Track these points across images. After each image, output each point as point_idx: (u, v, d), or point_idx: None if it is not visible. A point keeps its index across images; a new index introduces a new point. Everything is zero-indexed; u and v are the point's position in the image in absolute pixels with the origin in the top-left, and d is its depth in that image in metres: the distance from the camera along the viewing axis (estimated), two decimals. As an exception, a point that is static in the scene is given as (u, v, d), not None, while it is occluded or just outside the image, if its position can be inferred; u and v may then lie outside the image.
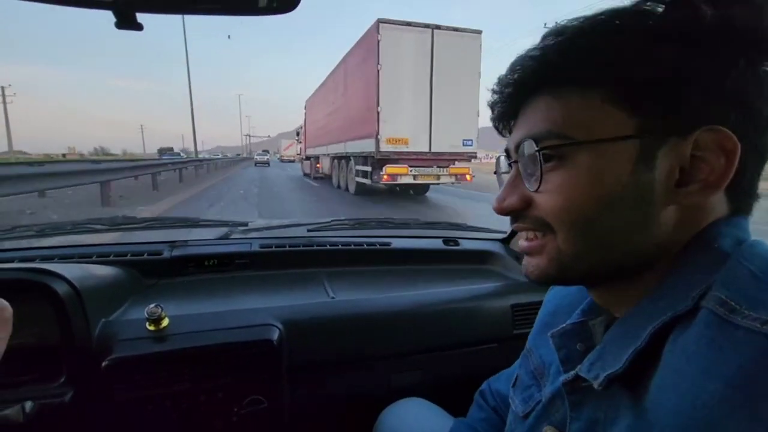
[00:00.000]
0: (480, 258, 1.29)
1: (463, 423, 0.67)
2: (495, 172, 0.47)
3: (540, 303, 1.06)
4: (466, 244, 1.31)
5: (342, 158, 10.45)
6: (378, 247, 1.22)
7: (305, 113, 16.56)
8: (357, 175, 9.11)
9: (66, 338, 0.70)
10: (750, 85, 0.31)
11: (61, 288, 0.70)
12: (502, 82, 0.38)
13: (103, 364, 0.70)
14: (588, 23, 0.33)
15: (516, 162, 0.38)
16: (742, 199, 0.35)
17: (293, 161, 43.31)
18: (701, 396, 0.26)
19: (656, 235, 0.33)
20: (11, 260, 0.92)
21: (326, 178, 13.51)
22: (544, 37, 0.35)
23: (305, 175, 17.40)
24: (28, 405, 0.59)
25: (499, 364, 1.01)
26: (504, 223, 1.37)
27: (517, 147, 0.37)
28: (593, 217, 0.33)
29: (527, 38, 0.41)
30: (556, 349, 0.42)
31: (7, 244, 1.02)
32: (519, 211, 0.38)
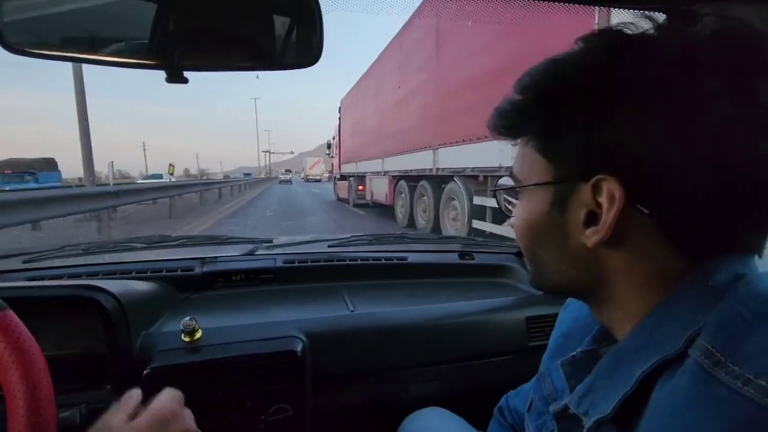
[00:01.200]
0: (495, 271, 1.31)
1: None
2: (493, 190, 0.56)
3: (555, 316, 1.08)
4: (481, 258, 1.33)
5: (425, 178, 6.17)
6: (395, 261, 1.26)
7: (339, 118, 12.07)
8: (474, 215, 4.91)
9: (112, 349, 0.77)
10: (633, 136, 0.32)
11: (107, 302, 0.77)
12: (491, 126, 0.43)
13: (144, 372, 0.76)
14: (532, 81, 0.37)
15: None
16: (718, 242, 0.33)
17: (319, 180, 42.99)
18: None
19: (582, 268, 0.37)
20: (61, 277, 1.00)
21: (376, 206, 9.56)
22: (514, 88, 0.39)
23: (340, 199, 13.46)
24: (83, 408, 0.66)
25: (515, 375, 1.03)
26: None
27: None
28: (529, 246, 0.41)
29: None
30: (566, 378, 0.42)
31: (57, 262, 1.11)
32: None
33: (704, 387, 0.26)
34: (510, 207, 0.46)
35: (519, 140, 0.40)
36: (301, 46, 0.40)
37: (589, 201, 0.34)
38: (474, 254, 1.34)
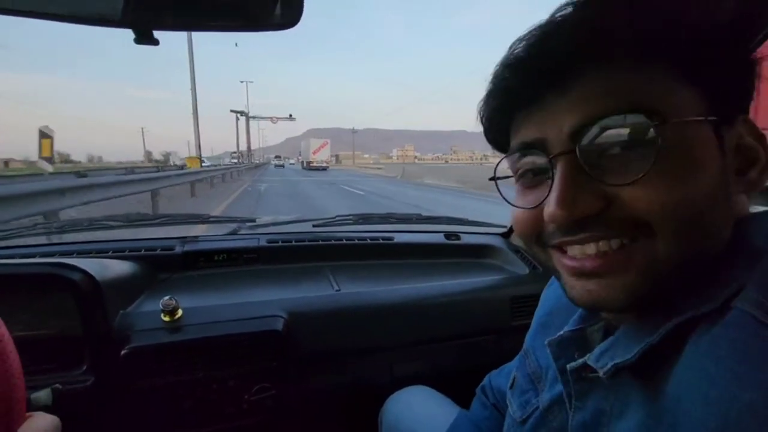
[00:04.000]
0: (480, 252, 1.32)
1: (466, 418, 0.68)
2: (492, 179, 0.39)
3: (538, 295, 1.10)
4: (466, 239, 1.34)
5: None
6: (381, 241, 1.25)
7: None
8: None
9: (87, 328, 0.75)
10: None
11: (82, 281, 0.75)
12: (521, 58, 0.32)
13: (122, 353, 0.75)
14: None
15: (567, 154, 0.30)
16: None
17: (325, 168, 35.98)
18: (734, 406, 0.23)
19: (725, 232, 0.31)
20: (33, 255, 0.96)
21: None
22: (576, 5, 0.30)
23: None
24: (57, 388, 0.64)
25: (499, 354, 1.04)
26: (503, 217, 1.40)
27: (576, 133, 0.30)
28: (703, 211, 0.28)
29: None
30: (553, 358, 0.40)
31: (28, 240, 1.07)
32: (594, 216, 0.30)
33: (757, 336, 0.24)
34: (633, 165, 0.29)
35: (595, 74, 0.30)
36: (281, 5, 0.37)
37: (740, 138, 0.31)
38: (460, 234, 1.35)
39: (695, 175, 0.28)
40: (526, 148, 0.34)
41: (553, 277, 0.49)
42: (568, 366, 0.37)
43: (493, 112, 0.36)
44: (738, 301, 0.26)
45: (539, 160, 0.33)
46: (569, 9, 0.30)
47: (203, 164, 19.15)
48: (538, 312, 0.52)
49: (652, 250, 0.29)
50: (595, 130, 0.29)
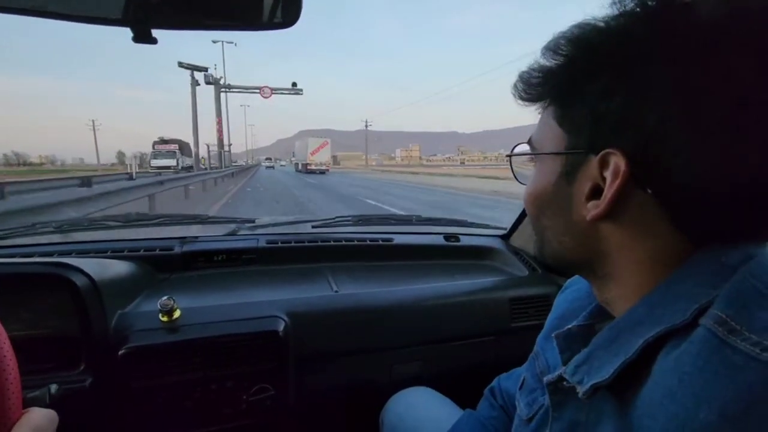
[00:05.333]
0: (480, 253, 1.32)
1: (473, 416, 0.68)
2: (508, 155, 0.49)
3: (537, 297, 1.10)
4: (466, 240, 1.34)
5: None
6: (380, 243, 1.25)
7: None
8: None
9: (85, 328, 0.75)
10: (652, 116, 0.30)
11: (80, 281, 0.75)
12: (515, 89, 0.41)
13: (120, 353, 0.74)
14: (557, 45, 0.35)
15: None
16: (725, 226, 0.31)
17: (324, 172, 30.02)
18: (690, 423, 0.25)
19: (583, 242, 0.37)
20: (31, 255, 0.96)
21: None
22: (541, 51, 0.37)
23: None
24: (53, 388, 0.64)
25: (497, 356, 1.04)
26: (504, 220, 1.41)
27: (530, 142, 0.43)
28: (535, 215, 0.41)
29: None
30: (559, 351, 0.41)
31: (27, 240, 1.07)
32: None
33: (717, 354, 0.26)
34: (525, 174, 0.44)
35: (538, 105, 0.39)
36: (280, 5, 0.37)
37: (596, 174, 0.33)
38: (459, 236, 1.34)
39: (531, 189, 0.40)
40: None
41: (567, 282, 0.54)
42: (544, 378, 0.40)
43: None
44: (703, 318, 0.28)
45: None
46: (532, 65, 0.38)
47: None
48: (551, 316, 0.54)
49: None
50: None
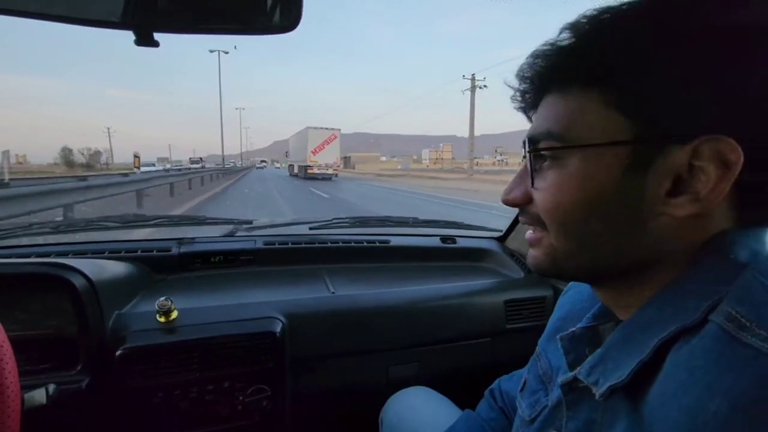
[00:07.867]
0: (476, 255, 1.33)
1: (472, 417, 0.68)
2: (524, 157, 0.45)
3: (532, 299, 1.11)
4: (462, 242, 1.34)
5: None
6: (377, 244, 1.26)
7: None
8: None
9: (82, 329, 0.75)
10: (760, 88, 0.29)
11: (77, 281, 0.75)
12: (518, 76, 0.38)
13: (117, 353, 0.75)
14: (596, 21, 0.32)
15: (524, 157, 0.38)
16: (758, 209, 0.32)
17: (331, 177, 22.08)
18: (703, 413, 0.25)
19: (647, 243, 0.32)
20: (28, 255, 0.96)
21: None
22: (561, 31, 0.34)
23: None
24: (51, 388, 0.64)
25: (493, 357, 1.05)
26: (500, 222, 1.41)
27: (528, 142, 0.37)
28: (580, 220, 0.33)
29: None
30: (564, 353, 0.41)
31: (24, 240, 1.07)
32: (521, 206, 0.39)
33: (728, 348, 0.26)
34: (531, 175, 0.37)
35: (553, 95, 0.35)
36: (280, 9, 0.38)
37: (682, 164, 0.30)
38: (456, 238, 1.35)
39: (575, 190, 0.33)
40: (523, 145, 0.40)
41: (569, 284, 0.54)
42: (559, 380, 0.40)
43: (517, 110, 0.42)
44: (713, 315, 0.28)
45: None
46: (546, 45, 0.35)
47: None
48: (553, 317, 0.54)
49: (549, 239, 0.36)
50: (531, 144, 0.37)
